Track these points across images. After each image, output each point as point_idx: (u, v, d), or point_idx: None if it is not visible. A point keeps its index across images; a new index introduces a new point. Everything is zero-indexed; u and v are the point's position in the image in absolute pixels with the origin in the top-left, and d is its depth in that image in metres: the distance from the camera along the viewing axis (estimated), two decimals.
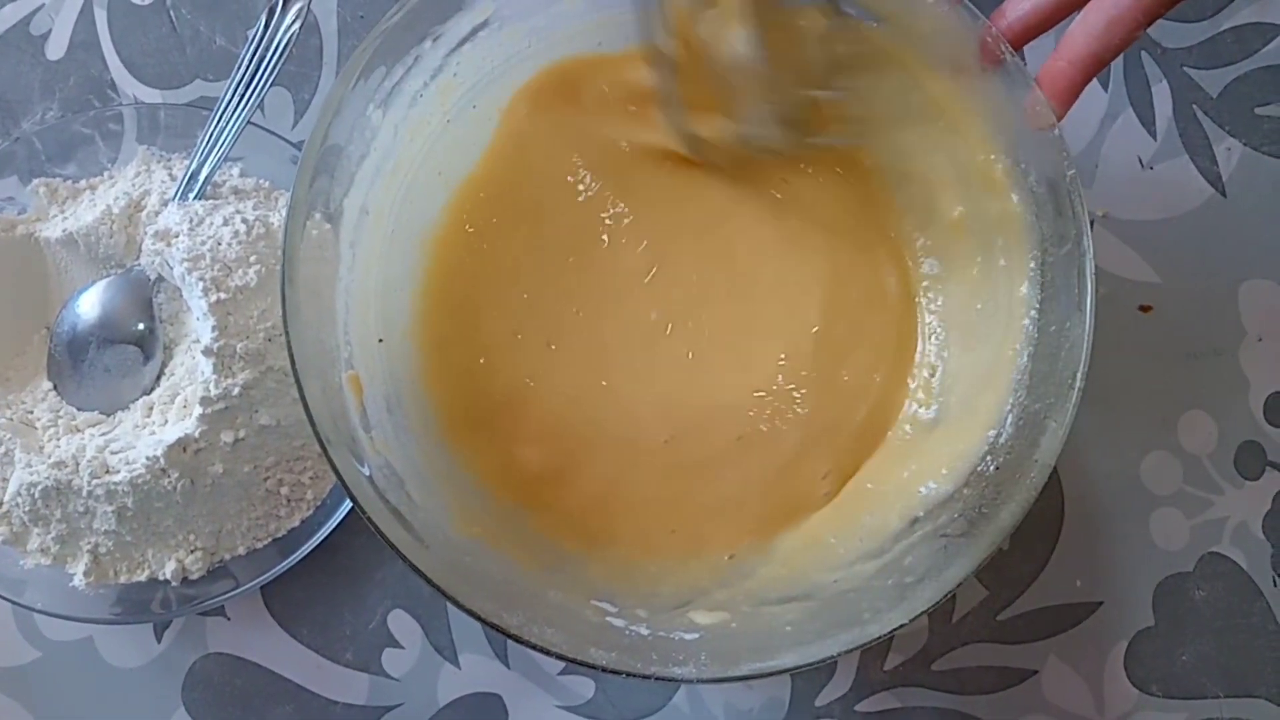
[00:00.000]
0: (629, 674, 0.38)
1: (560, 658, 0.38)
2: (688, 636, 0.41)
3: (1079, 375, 0.40)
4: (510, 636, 0.38)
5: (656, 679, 0.38)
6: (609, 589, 0.44)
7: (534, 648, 0.38)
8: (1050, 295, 0.43)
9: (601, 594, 0.43)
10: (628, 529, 0.47)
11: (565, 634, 0.39)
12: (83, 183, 0.53)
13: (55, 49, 0.57)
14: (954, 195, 0.46)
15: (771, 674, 0.39)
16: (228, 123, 0.52)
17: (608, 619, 0.42)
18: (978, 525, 0.41)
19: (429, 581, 0.38)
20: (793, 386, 0.48)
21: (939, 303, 0.49)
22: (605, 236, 0.49)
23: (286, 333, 0.39)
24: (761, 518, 0.47)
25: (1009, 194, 0.44)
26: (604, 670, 0.38)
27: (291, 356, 0.39)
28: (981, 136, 0.44)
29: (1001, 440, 0.43)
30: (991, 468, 0.42)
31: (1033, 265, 0.43)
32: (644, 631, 0.41)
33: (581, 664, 0.38)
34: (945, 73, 0.44)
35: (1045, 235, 0.43)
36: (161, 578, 0.49)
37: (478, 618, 0.38)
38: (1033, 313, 0.43)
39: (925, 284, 0.49)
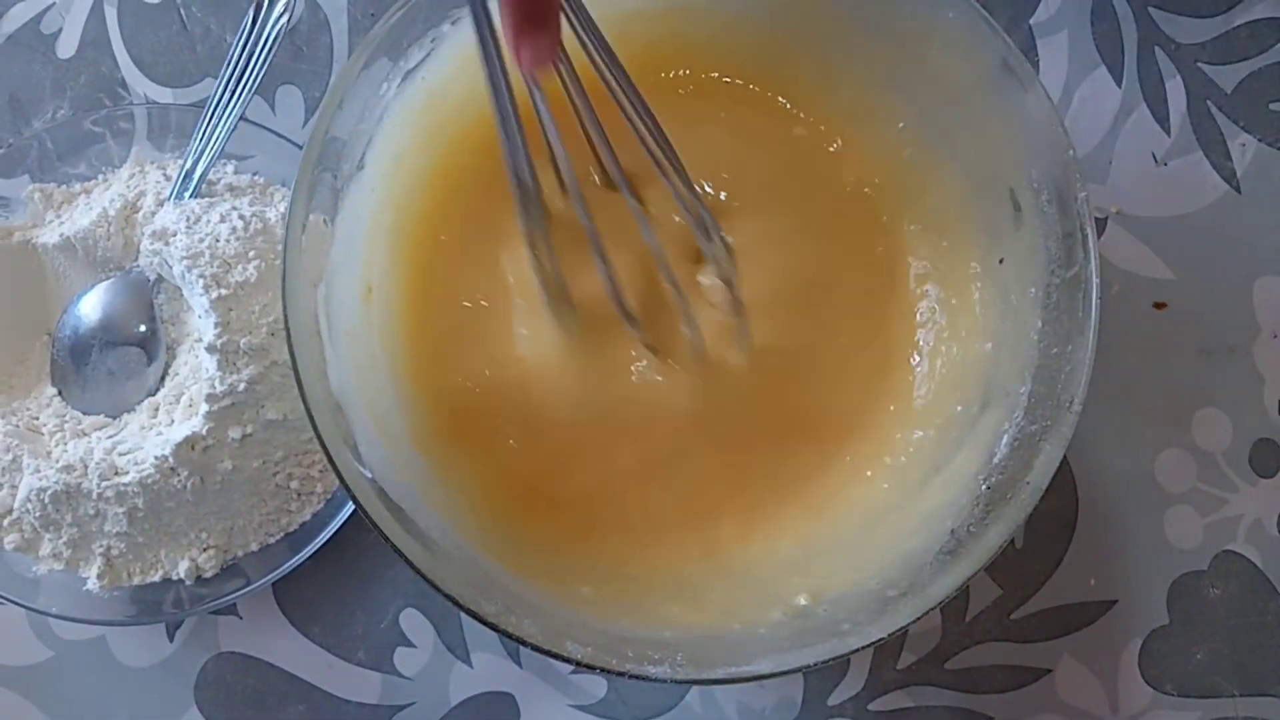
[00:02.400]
0: (603, 670, 0.38)
1: (535, 649, 0.38)
2: (665, 635, 0.41)
3: (1077, 399, 0.40)
4: (486, 624, 0.38)
5: (631, 677, 0.38)
6: (591, 581, 0.44)
7: (510, 637, 0.38)
8: (1053, 317, 0.42)
9: (582, 584, 0.43)
10: (612, 523, 0.47)
11: (542, 625, 0.39)
12: (77, 186, 0.53)
13: (66, 47, 0.57)
14: (963, 215, 0.46)
15: (746, 680, 0.39)
16: (220, 119, 0.52)
17: (586, 611, 0.42)
18: (965, 544, 0.40)
19: (410, 564, 0.38)
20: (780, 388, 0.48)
21: (940, 319, 0.49)
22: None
23: (287, 330, 0.39)
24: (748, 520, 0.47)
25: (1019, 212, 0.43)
26: (578, 664, 0.38)
27: (292, 351, 0.39)
28: (994, 155, 0.44)
29: (995, 460, 0.42)
30: (983, 486, 0.42)
31: (1034, 290, 0.43)
32: (622, 627, 0.41)
33: (556, 656, 0.38)
34: (956, 91, 0.44)
35: (1052, 257, 0.42)
36: (175, 577, 0.49)
37: (455, 603, 0.38)
38: (1033, 334, 0.43)
39: (925, 295, 0.49)
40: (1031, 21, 0.57)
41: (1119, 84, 0.57)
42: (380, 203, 0.45)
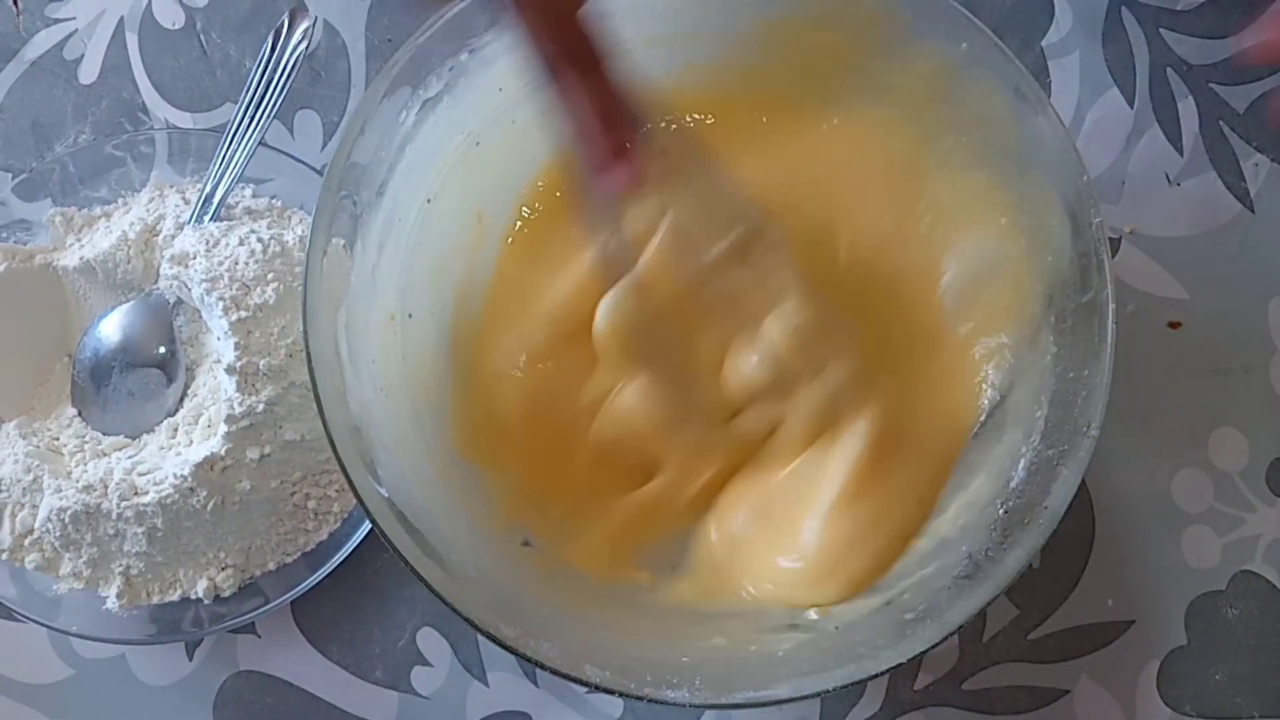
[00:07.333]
0: (621, 694, 0.38)
1: (554, 673, 0.38)
2: (684, 659, 0.41)
3: (1094, 424, 0.40)
4: (506, 648, 0.38)
5: (650, 701, 0.38)
6: (610, 604, 0.44)
7: (529, 661, 0.38)
8: (1069, 342, 0.42)
9: (602, 606, 0.44)
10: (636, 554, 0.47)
11: (561, 648, 0.39)
12: (98, 210, 0.54)
13: (88, 73, 0.58)
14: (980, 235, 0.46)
15: (765, 704, 0.39)
16: (239, 144, 0.52)
17: (605, 635, 0.42)
18: (983, 568, 0.40)
19: (429, 587, 0.38)
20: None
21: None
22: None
23: (308, 353, 0.39)
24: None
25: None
26: (596, 688, 0.38)
27: (312, 375, 0.39)
28: (1013, 176, 0.44)
29: (1012, 485, 0.42)
30: (1000, 511, 0.42)
31: (1050, 314, 0.43)
32: (640, 650, 0.41)
33: (575, 680, 0.38)
34: (970, 117, 0.44)
35: (1067, 280, 0.42)
36: (194, 596, 0.49)
37: (475, 626, 0.38)
38: (1048, 359, 0.43)
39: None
40: (1043, 43, 0.57)
41: (1131, 105, 0.57)
42: (405, 234, 0.45)
